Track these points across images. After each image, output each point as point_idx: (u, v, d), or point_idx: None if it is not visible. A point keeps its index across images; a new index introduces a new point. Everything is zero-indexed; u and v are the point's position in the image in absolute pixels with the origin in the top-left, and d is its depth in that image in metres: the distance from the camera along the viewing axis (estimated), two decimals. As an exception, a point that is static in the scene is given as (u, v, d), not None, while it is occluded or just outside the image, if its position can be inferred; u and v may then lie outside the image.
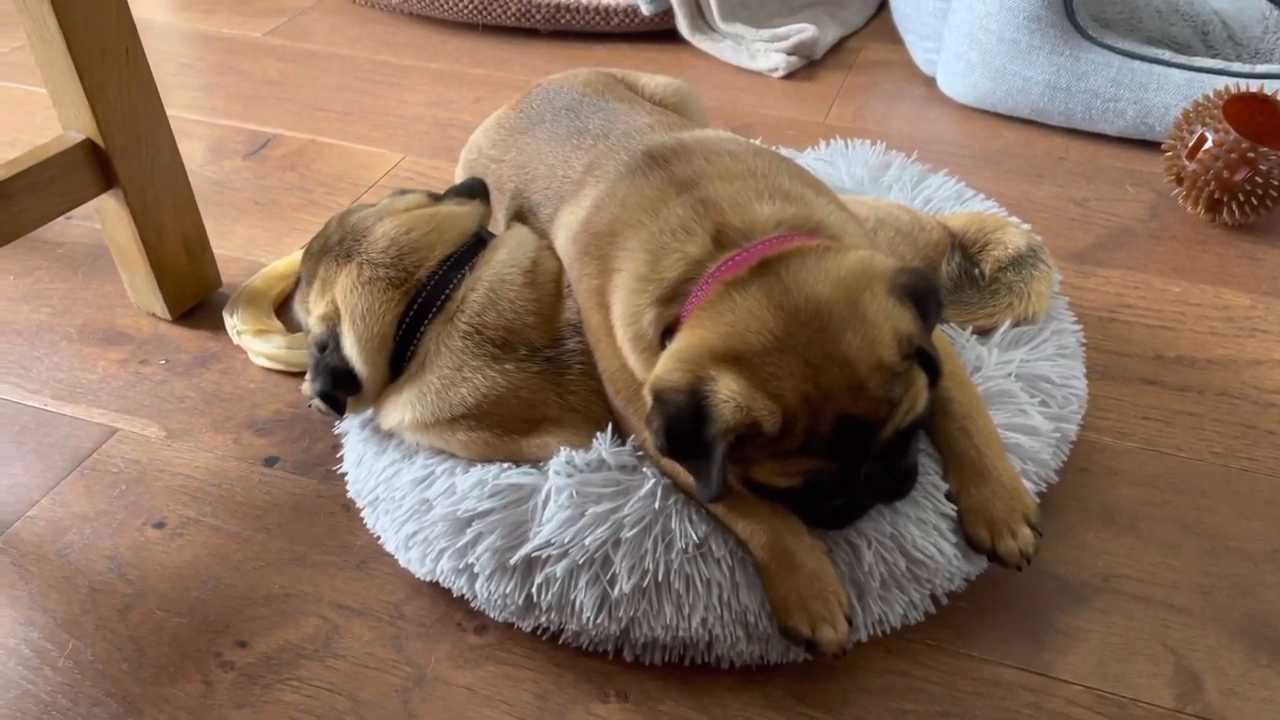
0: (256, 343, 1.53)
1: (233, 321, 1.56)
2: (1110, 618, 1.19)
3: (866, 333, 0.98)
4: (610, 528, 1.07)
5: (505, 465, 1.14)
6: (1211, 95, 1.81)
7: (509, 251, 1.21)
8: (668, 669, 1.14)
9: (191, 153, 2.07)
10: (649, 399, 1.00)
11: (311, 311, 1.22)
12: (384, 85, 2.36)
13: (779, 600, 1.06)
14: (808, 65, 2.40)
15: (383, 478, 1.20)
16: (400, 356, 1.19)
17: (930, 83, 2.31)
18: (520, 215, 1.33)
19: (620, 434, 1.14)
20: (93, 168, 1.45)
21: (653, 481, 1.09)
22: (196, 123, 2.20)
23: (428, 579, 1.19)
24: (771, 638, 1.09)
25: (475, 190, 1.31)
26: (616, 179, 1.17)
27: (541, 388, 1.14)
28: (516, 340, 1.15)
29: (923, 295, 1.02)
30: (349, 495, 1.28)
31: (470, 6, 2.50)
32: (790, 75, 2.36)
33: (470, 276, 1.18)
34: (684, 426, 0.98)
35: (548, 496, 1.10)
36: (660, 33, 2.50)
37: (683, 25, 2.42)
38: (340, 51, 2.51)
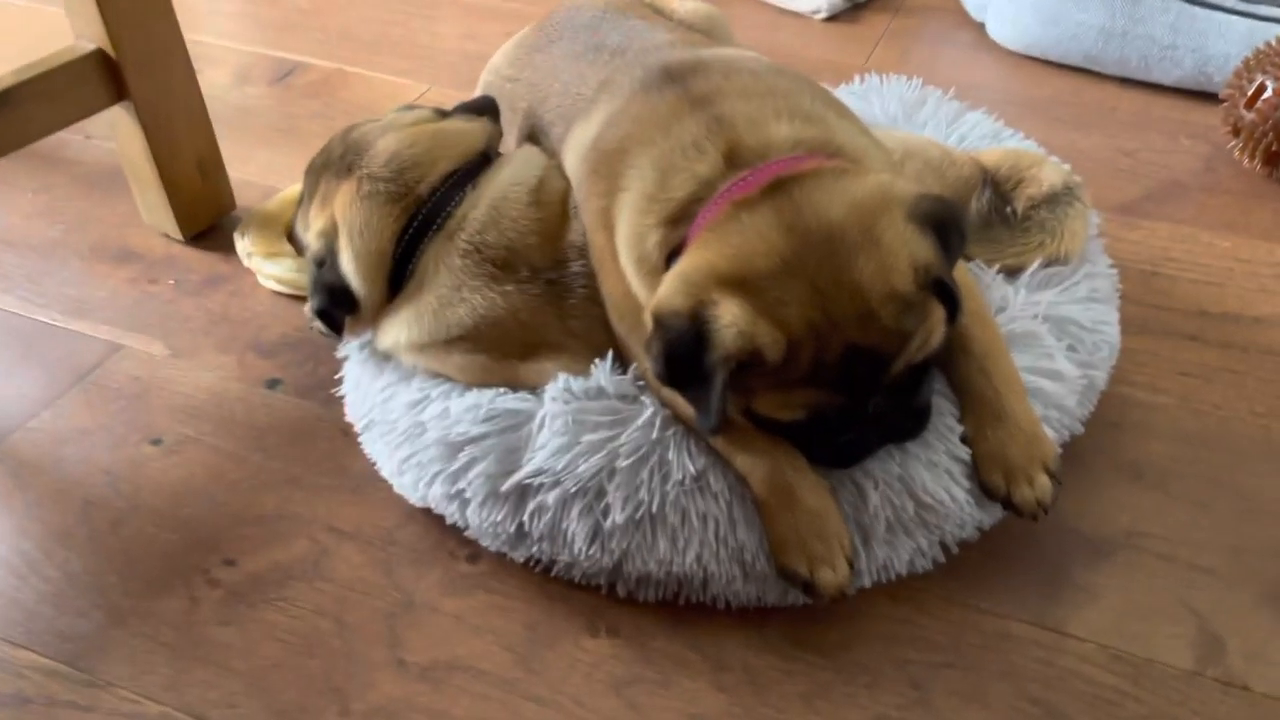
0: (266, 265, 1.50)
1: (244, 244, 1.53)
2: (1132, 575, 1.13)
3: (881, 259, 0.92)
4: (605, 456, 1.03)
5: (501, 390, 1.10)
6: (1274, 43, 1.71)
7: (514, 170, 1.16)
8: (661, 607, 1.10)
9: (216, 78, 2.04)
10: (649, 323, 0.96)
11: (310, 227, 1.19)
12: (415, 17, 2.31)
13: (777, 538, 1.01)
14: (852, 8, 2.32)
15: (378, 400, 1.17)
16: (399, 275, 1.15)
17: (980, 29, 2.22)
18: (532, 136, 1.28)
19: (622, 361, 1.10)
20: (103, 78, 1.42)
21: (651, 410, 1.05)
22: (224, 49, 2.16)
23: (421, 505, 1.16)
24: (769, 578, 1.05)
25: (485, 108, 1.26)
26: (630, 95, 1.12)
27: (542, 311, 1.10)
28: (517, 261, 1.11)
29: (945, 224, 0.96)
30: (348, 419, 1.25)
31: (508, -60, 2.44)
32: (833, 17, 2.28)
33: (473, 194, 1.14)
34: (684, 352, 0.93)
35: (543, 423, 1.06)
36: (701, -29, 2.42)
37: (724, -38, 2.35)
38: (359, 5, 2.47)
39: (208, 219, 1.61)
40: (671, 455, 1.03)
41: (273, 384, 1.37)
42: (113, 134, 1.54)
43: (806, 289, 0.92)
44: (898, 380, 0.96)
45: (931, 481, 1.04)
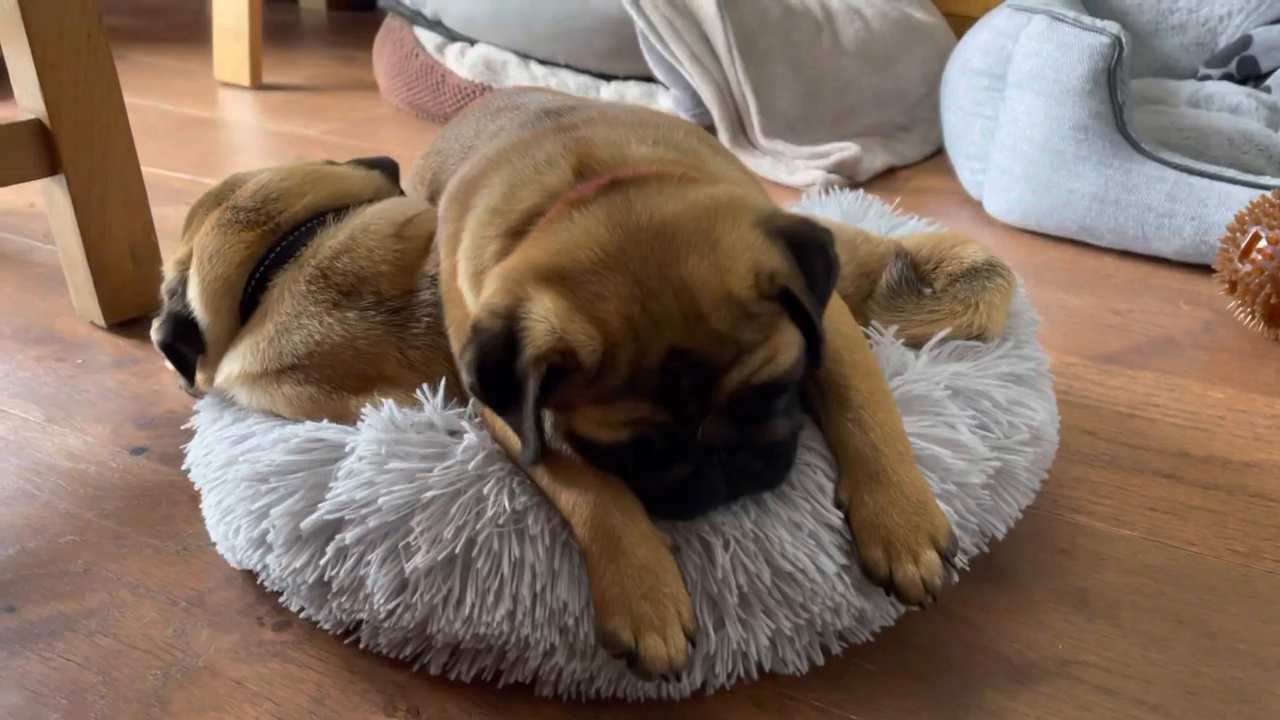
0: (172, 346, 1.43)
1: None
2: (1058, 705, 0.93)
3: (716, 260, 0.82)
4: (413, 488, 0.89)
5: (324, 423, 0.99)
6: (1271, 195, 1.61)
7: (384, 206, 1.10)
8: (478, 689, 0.92)
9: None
10: (469, 331, 0.85)
11: (171, 258, 1.12)
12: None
13: (599, 594, 0.85)
14: (851, 187, 2.29)
15: (210, 442, 1.06)
16: (251, 308, 1.07)
17: (978, 206, 2.17)
18: (433, 199, 1.23)
19: (461, 395, 0.98)
20: (37, 148, 1.42)
21: (474, 442, 0.92)
22: (223, 189, 2.21)
23: (231, 557, 1.03)
24: (601, 654, 0.88)
25: (379, 163, 1.22)
26: (508, 134, 1.06)
27: (382, 340, 1.00)
28: (364, 288, 1.02)
29: (805, 243, 0.86)
30: (184, 469, 1.14)
31: (520, 116, 2.51)
32: (827, 193, 2.24)
33: (335, 225, 1.07)
34: (496, 358, 0.82)
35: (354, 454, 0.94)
36: (704, 150, 2.44)
37: (723, 138, 2.36)
38: (385, 148, 2.53)
39: (136, 308, 1.57)
40: (489, 491, 0.89)
41: (138, 451, 1.27)
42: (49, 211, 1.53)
43: (628, 283, 0.81)
44: (735, 401, 0.82)
45: (792, 545, 0.87)
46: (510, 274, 0.84)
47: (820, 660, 0.94)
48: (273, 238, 1.07)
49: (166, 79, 3.12)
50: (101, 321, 1.55)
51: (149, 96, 2.89)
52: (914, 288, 1.07)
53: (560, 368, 0.81)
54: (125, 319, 1.57)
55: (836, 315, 0.98)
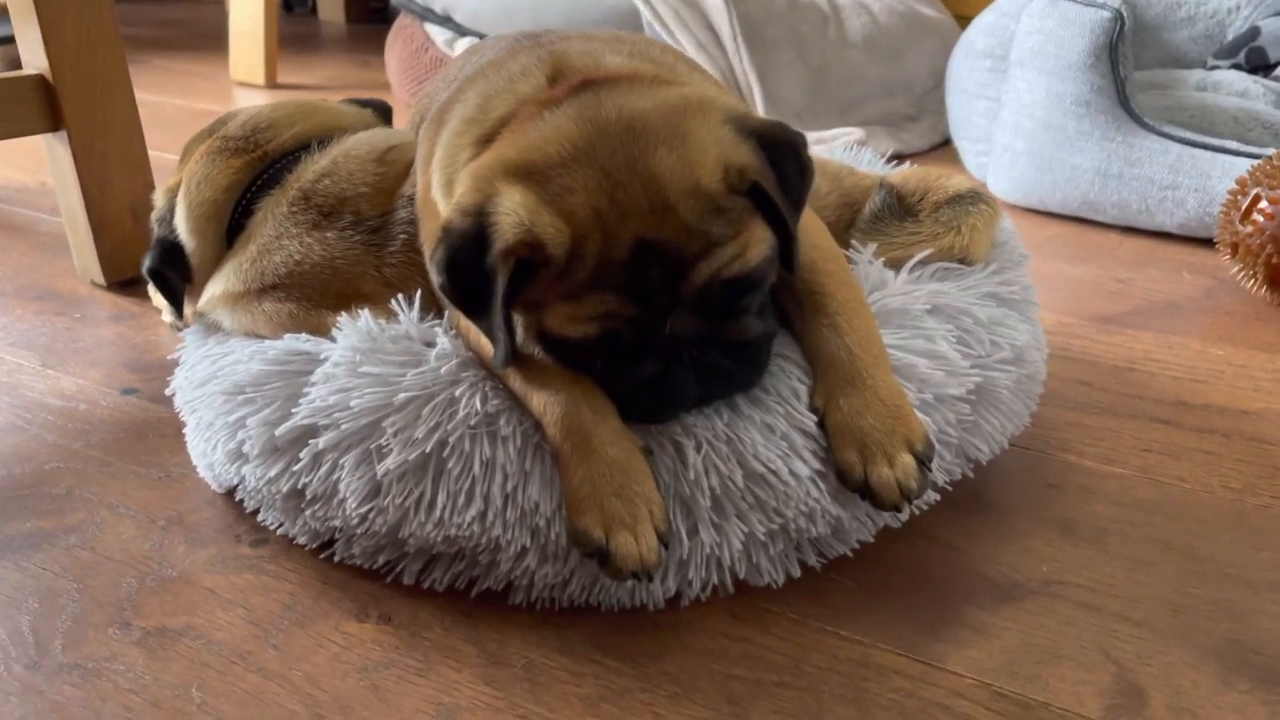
0: (169, 300, 1.44)
1: (156, 284, 1.49)
2: (1039, 620, 0.91)
3: (684, 153, 0.82)
4: (386, 391, 0.89)
5: (302, 336, 0.99)
6: (1273, 157, 1.59)
7: (368, 134, 1.11)
8: (450, 597, 0.92)
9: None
10: (439, 232, 0.85)
11: (161, 187, 1.14)
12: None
13: (570, 493, 0.84)
14: (856, 172, 2.29)
15: (192, 363, 1.07)
16: (237, 234, 1.08)
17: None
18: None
19: (438, 310, 0.98)
20: (40, 103, 1.44)
21: (448, 349, 0.91)
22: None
23: (210, 475, 1.03)
24: (574, 556, 0.87)
25: (372, 103, 1.23)
26: (485, 57, 1.06)
27: (360, 259, 1.00)
28: (344, 209, 1.03)
29: (777, 144, 0.86)
30: (168, 395, 1.14)
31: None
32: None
33: (320, 151, 1.08)
34: (465, 257, 0.82)
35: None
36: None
37: (729, 126, 2.37)
38: (394, 137, 2.56)
39: (135, 266, 1.58)
40: (461, 394, 0.88)
41: (129, 391, 1.27)
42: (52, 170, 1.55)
43: (596, 176, 0.81)
44: (704, 295, 0.82)
45: (765, 447, 0.86)
46: (480, 171, 0.85)
47: (797, 572, 0.93)
48: (260, 165, 1.08)
49: (184, 80, 3.17)
50: (101, 280, 1.57)
51: (166, 94, 2.94)
52: (897, 214, 1.07)
53: (529, 261, 0.80)
54: (124, 278, 1.58)
55: (814, 230, 0.97)
